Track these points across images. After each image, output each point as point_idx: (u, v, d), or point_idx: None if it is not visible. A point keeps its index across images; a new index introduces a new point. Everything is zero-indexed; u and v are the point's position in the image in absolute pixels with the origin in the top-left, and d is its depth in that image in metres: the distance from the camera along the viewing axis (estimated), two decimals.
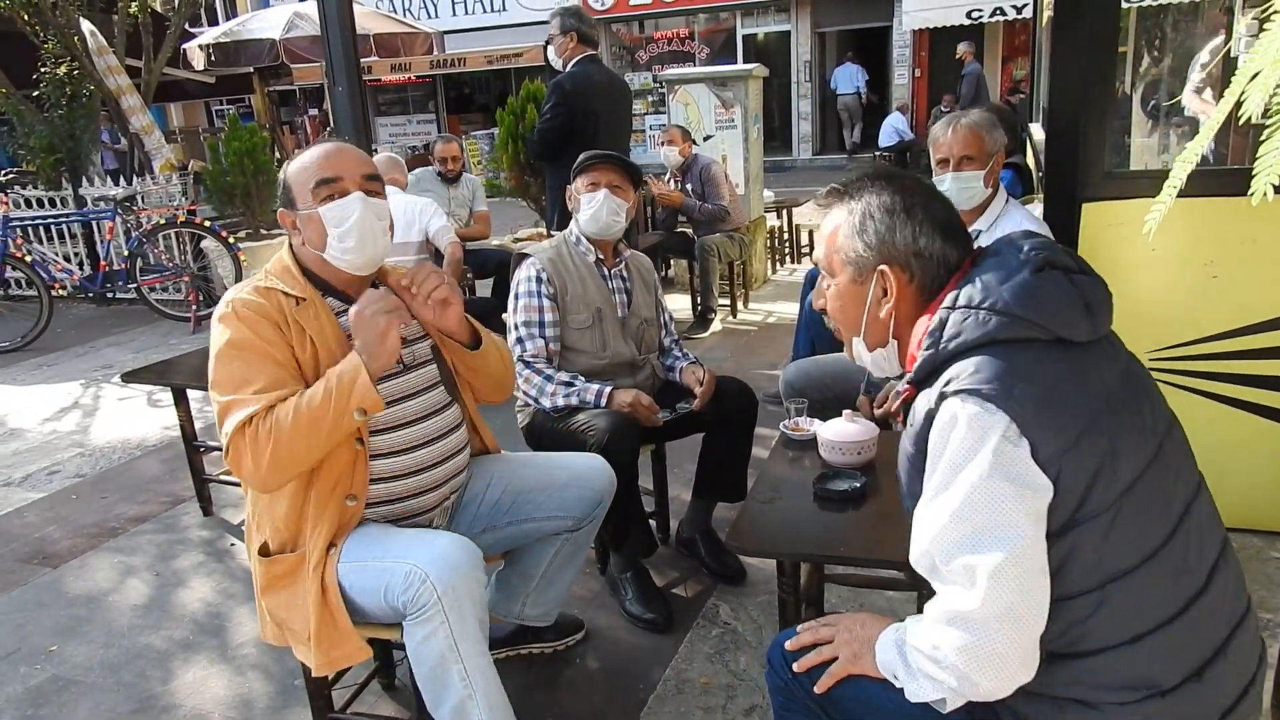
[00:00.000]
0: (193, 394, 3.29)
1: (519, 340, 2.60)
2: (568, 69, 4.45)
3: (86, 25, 6.89)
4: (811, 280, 3.99)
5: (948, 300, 1.22)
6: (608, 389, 2.51)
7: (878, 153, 14.93)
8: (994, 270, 1.20)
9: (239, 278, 6.55)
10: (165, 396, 4.82)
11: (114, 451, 4.17)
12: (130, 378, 3.33)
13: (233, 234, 6.65)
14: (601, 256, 2.71)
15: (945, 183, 2.65)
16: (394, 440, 1.86)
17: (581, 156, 2.74)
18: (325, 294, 1.84)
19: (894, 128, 14.82)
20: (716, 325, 5.60)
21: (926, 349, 1.21)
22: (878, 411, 2.71)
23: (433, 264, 1.89)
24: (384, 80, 19.54)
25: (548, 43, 4.57)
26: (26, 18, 7.18)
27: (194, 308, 6.48)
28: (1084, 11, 2.56)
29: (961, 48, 12.06)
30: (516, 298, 2.64)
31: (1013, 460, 1.09)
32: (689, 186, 5.63)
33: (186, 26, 8.46)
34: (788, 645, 1.41)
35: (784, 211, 7.65)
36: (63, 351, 6.13)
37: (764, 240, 6.94)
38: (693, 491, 2.84)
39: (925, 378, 1.21)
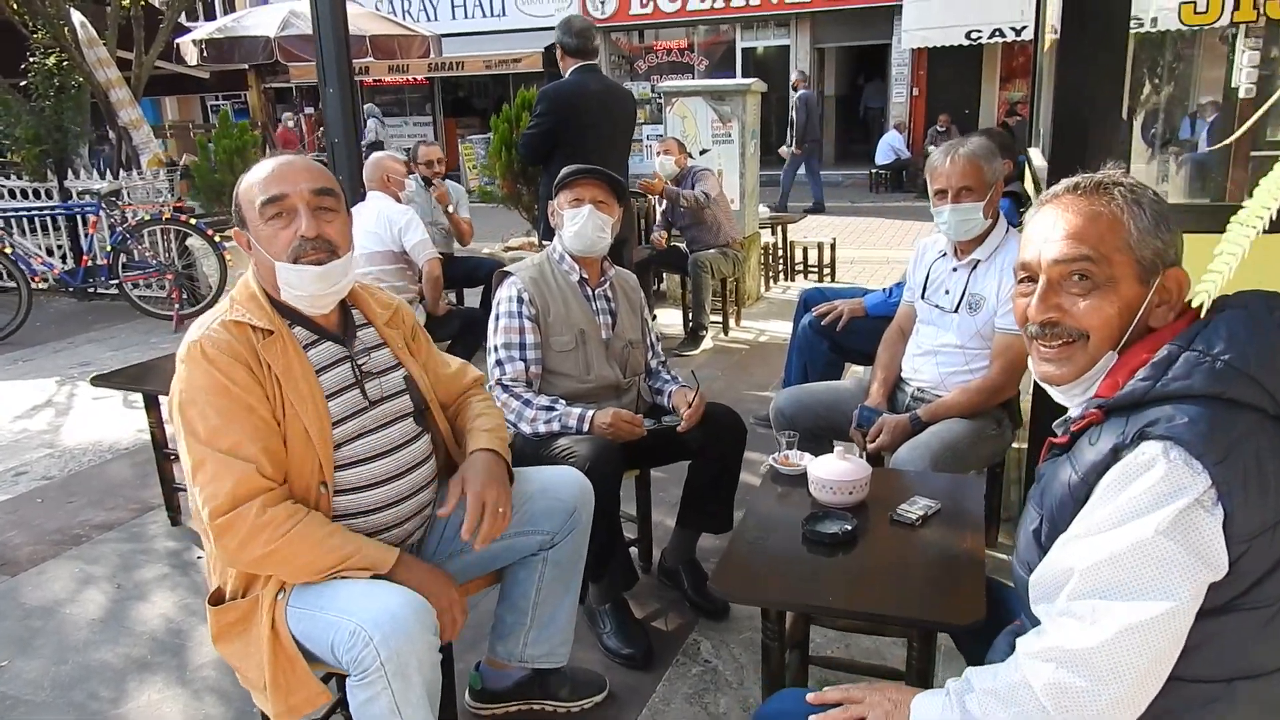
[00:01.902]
0: (165, 399, 3.19)
1: (498, 363, 2.51)
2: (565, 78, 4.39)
3: (77, 16, 6.79)
4: (807, 302, 3.91)
5: (1180, 338, 1.13)
6: (590, 413, 2.42)
7: (873, 170, 14.93)
8: (1242, 324, 1.11)
9: (223, 277, 6.45)
10: (140, 398, 4.70)
11: (84, 454, 4.06)
12: (101, 382, 3.22)
13: (219, 232, 6.54)
14: (585, 275, 2.63)
15: (944, 214, 2.59)
16: (359, 475, 1.77)
17: (564, 171, 2.66)
18: (293, 323, 1.75)
19: (891, 146, 14.83)
20: (707, 343, 5.52)
21: (1142, 379, 1.12)
22: (870, 446, 2.64)
23: (477, 501, 1.80)
24: (382, 81, 19.46)
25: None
26: (15, 7, 7.07)
27: (177, 306, 6.36)
28: (1091, 36, 2.50)
29: (794, 75, 12.36)
30: (497, 318, 2.55)
31: (1199, 527, 1.02)
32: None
33: (181, 20, 8.36)
34: (810, 698, 1.34)
35: (778, 228, 7.59)
36: (40, 346, 6.00)
37: (758, 257, 6.87)
38: (676, 520, 2.75)
39: (1124, 408, 1.12)
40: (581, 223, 2.56)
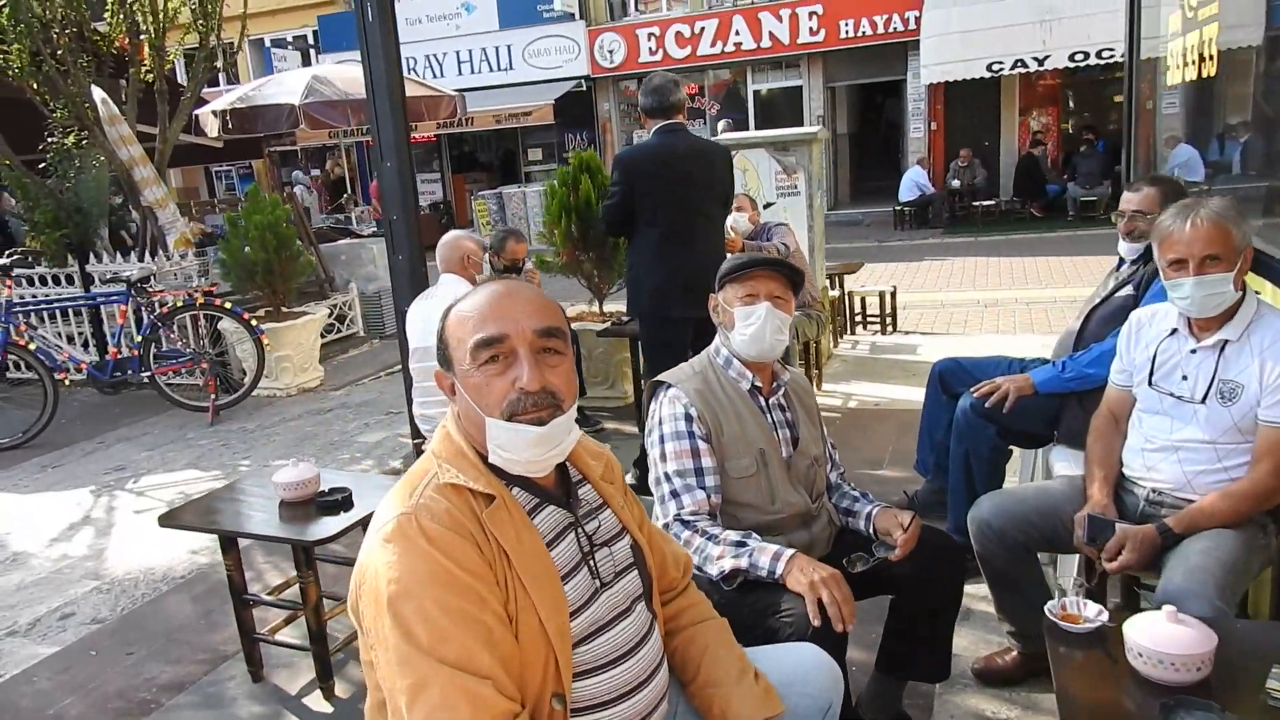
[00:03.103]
0: (355, 582, 2.74)
1: (673, 494, 2.08)
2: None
3: (98, 93, 6.45)
4: (943, 376, 3.49)
5: None
6: (786, 554, 1.96)
7: (897, 207, 14.64)
8: None
9: (261, 363, 6.03)
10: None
11: (136, 586, 3.59)
12: (169, 522, 2.76)
13: (253, 315, 6.14)
14: (759, 384, 2.21)
15: (1185, 288, 2.17)
16: (595, 689, 1.34)
17: (732, 262, 2.25)
18: (510, 483, 1.36)
19: (914, 182, 14.56)
20: None
21: None
22: (1108, 565, 2.20)
23: None
24: None
25: None
26: (36, 86, 6.74)
27: (213, 397, 5.93)
28: None
29: (721, 126, 11.74)
30: (662, 440, 2.12)
31: None
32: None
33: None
34: None
35: (837, 279, 7.19)
36: (69, 449, 5.56)
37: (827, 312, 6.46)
38: (877, 664, 2.30)
39: None
40: (758, 324, 2.14)
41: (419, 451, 4.02)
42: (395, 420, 5.68)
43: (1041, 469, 3.22)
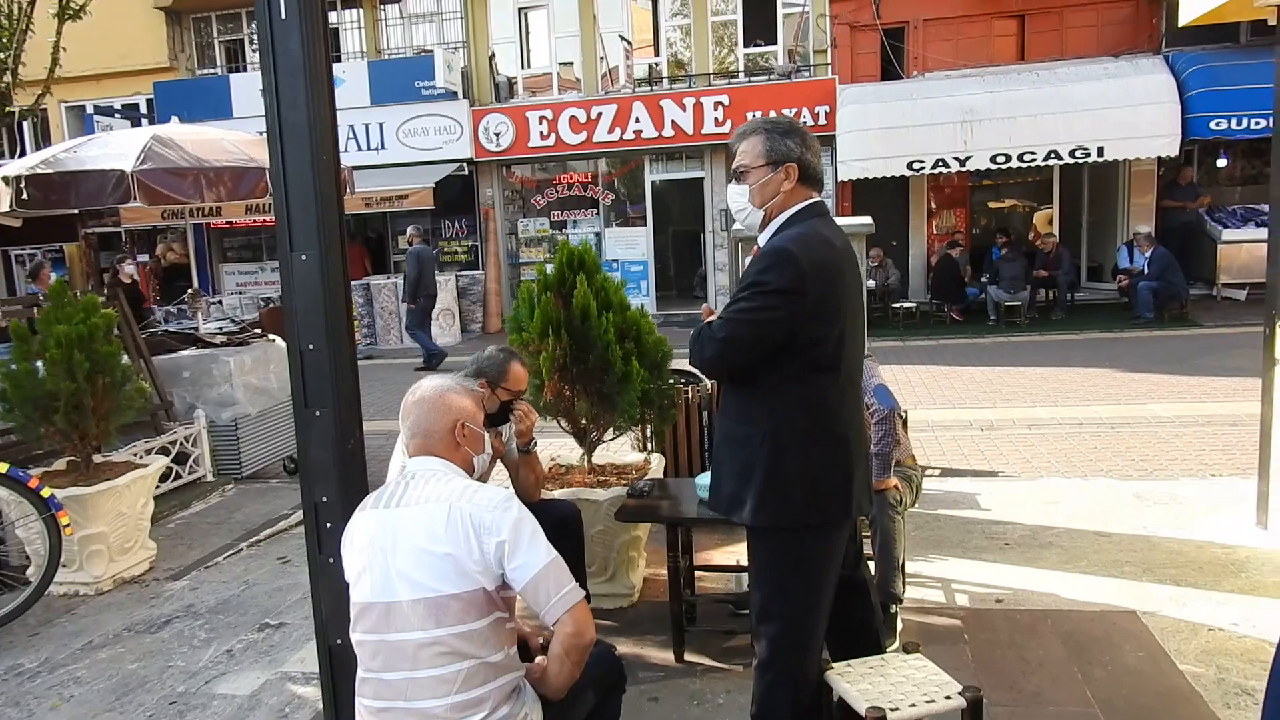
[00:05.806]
0: None
1: None
2: (781, 225, 2.41)
3: None
4: None
5: None
6: None
7: None
8: None
9: (56, 551, 3.88)
10: None
11: None
12: None
13: (47, 473, 4.01)
14: None
15: None
16: None
17: None
18: None
19: None
20: (897, 622, 3.50)
21: None
22: None
23: None
24: (234, 223, 16.89)
25: (735, 177, 2.52)
26: None
27: None
28: None
29: (410, 230, 12.63)
30: None
31: None
32: None
33: None
34: None
35: None
36: None
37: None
38: None
39: None
40: None
41: None
42: (277, 640, 3.68)
43: None
